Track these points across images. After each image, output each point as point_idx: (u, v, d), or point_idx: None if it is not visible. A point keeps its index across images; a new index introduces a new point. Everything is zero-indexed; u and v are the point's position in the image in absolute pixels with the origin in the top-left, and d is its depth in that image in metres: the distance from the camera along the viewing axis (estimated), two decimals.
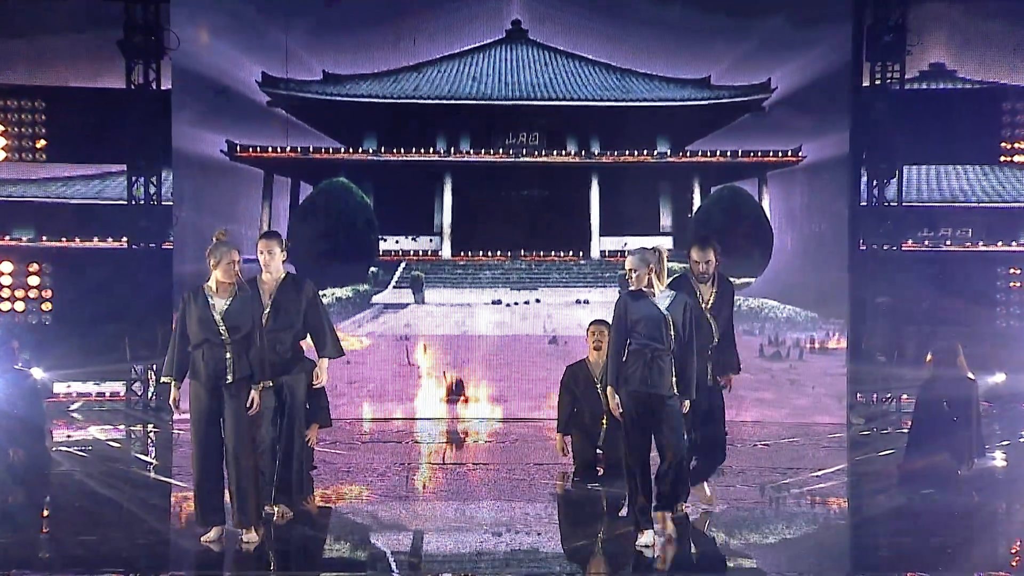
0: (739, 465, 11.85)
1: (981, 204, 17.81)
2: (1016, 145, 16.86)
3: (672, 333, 7.98)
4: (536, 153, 17.20)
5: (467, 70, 17.15)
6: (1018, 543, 8.95)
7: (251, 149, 16.77)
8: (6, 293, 17.04)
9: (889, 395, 16.33)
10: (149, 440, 14.88)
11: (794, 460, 12.95)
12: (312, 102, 16.87)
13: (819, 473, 11.59)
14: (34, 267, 17.10)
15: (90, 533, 8.43)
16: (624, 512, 9.82)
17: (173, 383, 8.14)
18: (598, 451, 11.44)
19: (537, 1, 17.07)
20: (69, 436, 14.14)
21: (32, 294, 17.09)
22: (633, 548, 8.02)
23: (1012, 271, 17.23)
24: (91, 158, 17.36)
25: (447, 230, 17.30)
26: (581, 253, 17.25)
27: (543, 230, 17.23)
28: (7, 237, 17.29)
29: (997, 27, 17.22)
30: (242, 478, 8.02)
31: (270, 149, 16.81)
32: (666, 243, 16.82)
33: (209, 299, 8.07)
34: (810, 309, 16.77)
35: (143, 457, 13.32)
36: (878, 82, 16.30)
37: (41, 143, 16.82)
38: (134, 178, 16.53)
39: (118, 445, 13.92)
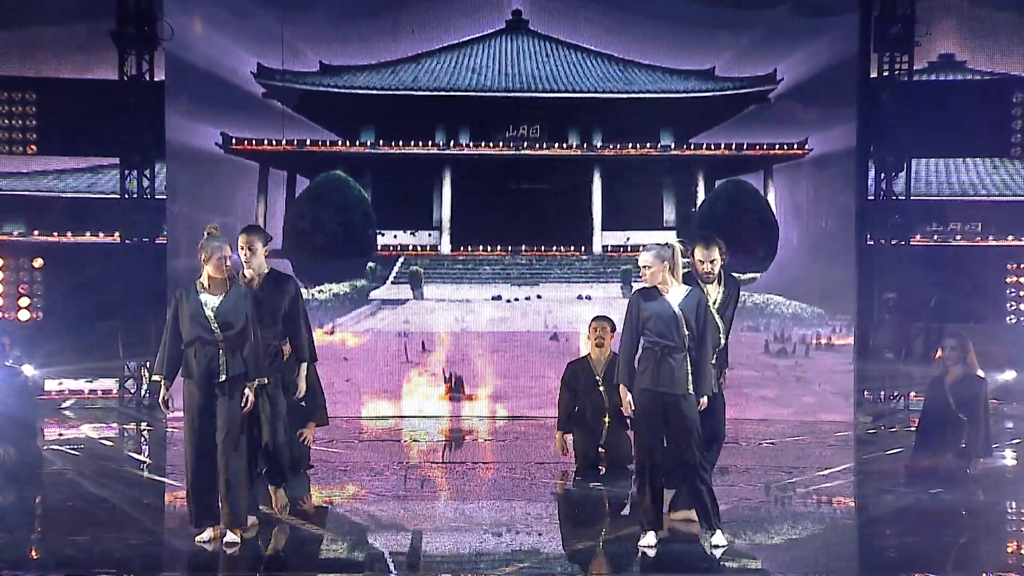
0: (744, 464, 11.85)
1: (991, 198, 17.79)
2: None
3: (685, 331, 7.96)
4: (537, 146, 17.19)
5: (466, 61, 17.14)
6: None
7: (246, 142, 16.76)
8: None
9: (897, 392, 16.33)
10: (142, 438, 14.88)
11: (800, 459, 12.95)
12: (309, 94, 16.87)
13: (825, 472, 11.59)
14: (25, 262, 17.11)
15: (82, 533, 8.43)
16: (627, 511, 9.83)
17: (164, 382, 8.14)
18: (600, 449, 11.45)
19: None
20: (61, 434, 14.14)
21: (23, 289, 17.10)
22: (636, 548, 8.02)
23: (1023, 266, 17.23)
24: (83, 151, 17.37)
25: (446, 224, 17.30)
26: (583, 248, 17.25)
27: (544, 225, 17.23)
28: None
29: (1008, 17, 17.21)
30: (233, 478, 8.02)
31: (266, 142, 16.80)
32: (670, 238, 16.83)
33: (201, 296, 8.06)
34: (816, 305, 16.76)
35: (136, 456, 13.32)
36: (886, 73, 16.28)
37: (32, 135, 16.81)
38: (127, 171, 16.51)
39: (111, 443, 13.92)
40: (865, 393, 16.52)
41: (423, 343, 16.97)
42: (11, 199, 17.52)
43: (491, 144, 17.17)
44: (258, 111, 16.69)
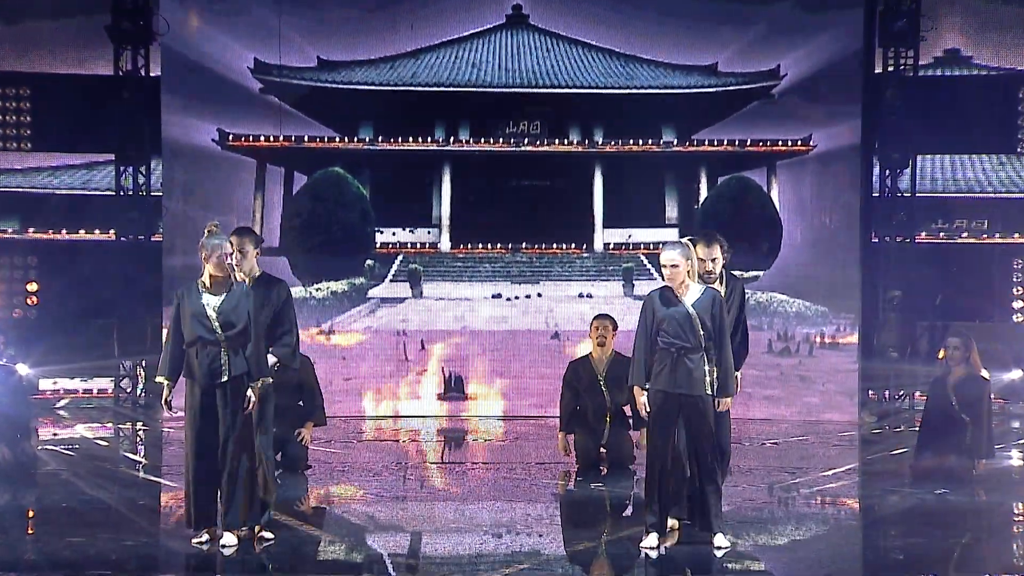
0: (747, 464, 11.85)
1: (998, 195, 17.79)
2: None
3: (701, 331, 7.93)
4: (537, 142, 17.19)
5: (466, 56, 17.14)
6: None
7: (243, 138, 16.76)
8: None
9: (902, 392, 16.33)
10: (138, 438, 14.88)
11: (804, 459, 12.95)
12: (306, 89, 16.87)
13: (829, 472, 11.59)
14: (19, 260, 17.11)
15: (77, 535, 8.43)
16: (628, 512, 9.83)
17: (167, 382, 8.13)
18: (601, 450, 11.46)
19: None
20: (55, 434, 14.14)
21: (17, 287, 17.10)
22: (638, 550, 8.02)
23: None
24: (78, 147, 17.36)
25: (446, 222, 17.30)
26: (584, 246, 17.25)
27: (545, 222, 17.23)
28: None
29: (1014, 11, 17.20)
30: (233, 480, 8.02)
31: (263, 138, 16.80)
32: (671, 236, 16.83)
33: (202, 296, 8.06)
34: (820, 303, 16.77)
35: (132, 456, 13.33)
36: (891, 69, 16.28)
37: (26, 132, 16.81)
38: (122, 168, 16.51)
39: (106, 444, 13.92)
40: (870, 392, 16.52)
41: (422, 342, 16.97)
42: (5, 196, 17.52)
43: (491, 140, 17.17)
44: (255, 107, 16.69)
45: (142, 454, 13.64)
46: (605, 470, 11.37)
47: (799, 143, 16.78)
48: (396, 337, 16.99)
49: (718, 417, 8.18)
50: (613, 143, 17.15)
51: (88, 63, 16.74)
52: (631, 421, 11.41)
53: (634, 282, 16.92)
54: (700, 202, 17.21)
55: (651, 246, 17.14)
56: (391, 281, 17.16)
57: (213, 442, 8.04)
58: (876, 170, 16.52)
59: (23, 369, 14.19)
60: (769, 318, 16.69)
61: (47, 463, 11.65)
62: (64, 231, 17.34)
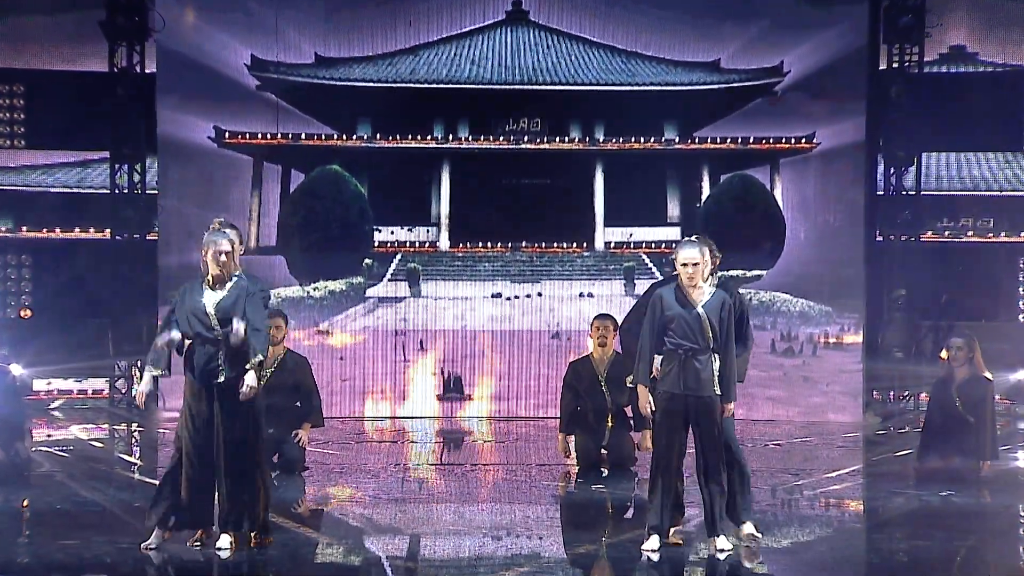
0: (750, 466, 11.82)
1: (1003, 193, 17.80)
2: None
3: (710, 332, 7.89)
4: (538, 140, 17.19)
5: (466, 53, 17.14)
6: None
7: (240, 135, 16.76)
8: None
9: (907, 392, 16.34)
10: (133, 440, 14.88)
11: (807, 460, 12.95)
12: (304, 86, 16.87)
13: (833, 474, 11.58)
14: (13, 258, 17.12)
15: (72, 537, 8.42)
16: (630, 514, 9.83)
17: (147, 370, 8.08)
18: (602, 451, 11.45)
19: None
20: (50, 435, 14.14)
21: (11, 287, 17.11)
22: (639, 552, 8.02)
23: None
24: (72, 145, 17.37)
25: (445, 220, 17.31)
26: (585, 244, 17.25)
27: (545, 220, 17.24)
28: None
29: (1020, 8, 17.21)
30: (231, 481, 8.01)
31: (259, 135, 16.80)
32: (673, 234, 16.85)
33: (204, 292, 8.06)
34: (824, 303, 16.77)
35: (127, 457, 13.31)
36: (896, 65, 16.28)
37: (20, 129, 16.81)
38: (117, 165, 16.51)
39: (101, 445, 13.92)
40: (874, 393, 16.53)
41: (421, 342, 16.97)
42: None
43: (490, 138, 17.17)
44: (252, 104, 16.70)
45: (137, 455, 13.63)
46: (606, 471, 11.36)
47: (803, 140, 16.78)
48: (395, 337, 16.99)
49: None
50: (614, 140, 17.15)
51: (83, 59, 16.74)
52: (632, 422, 11.41)
53: (635, 281, 16.92)
54: (702, 200, 17.21)
55: (652, 245, 17.15)
56: (389, 280, 17.16)
57: (203, 442, 8.02)
58: (881, 168, 16.52)
59: (17, 369, 14.18)
60: (772, 318, 16.69)
61: (41, 464, 11.65)
62: (58, 229, 17.34)
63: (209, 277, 8.07)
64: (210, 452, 8.03)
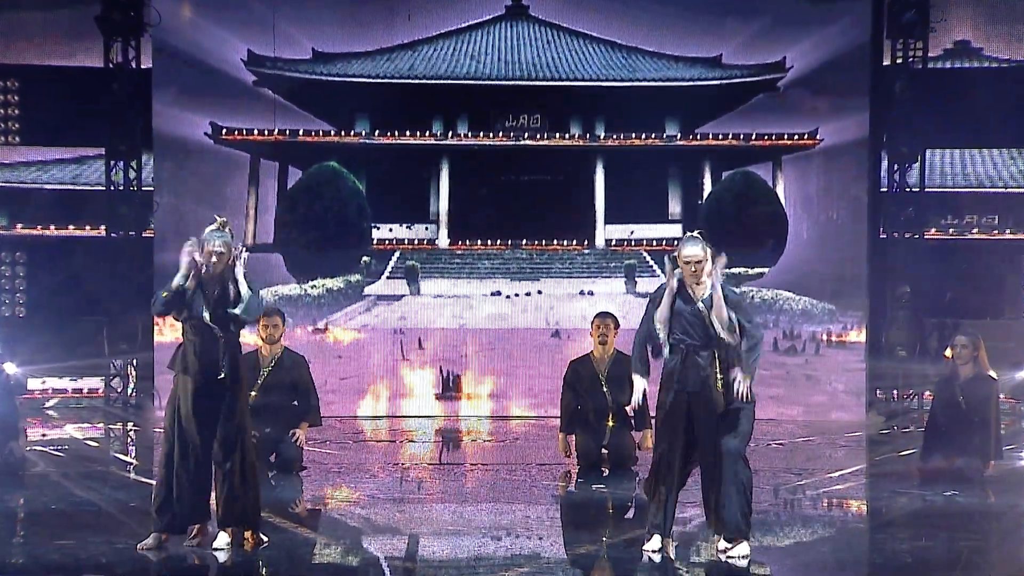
0: (752, 466, 11.82)
1: (1008, 190, 17.78)
2: None
3: (711, 329, 7.90)
4: (537, 136, 17.19)
5: (465, 48, 17.14)
6: None
7: (236, 132, 16.76)
8: None
9: (911, 391, 16.32)
10: (129, 439, 14.89)
11: (810, 460, 12.96)
12: (301, 82, 16.87)
13: (836, 474, 11.59)
14: (7, 256, 17.11)
15: (67, 537, 8.43)
16: (630, 514, 9.83)
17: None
18: (603, 450, 11.46)
19: None
20: (44, 435, 14.15)
21: (5, 284, 17.10)
22: (640, 553, 8.02)
23: None
24: (67, 141, 17.35)
25: (444, 217, 17.30)
26: (585, 242, 17.25)
27: (545, 217, 17.23)
28: None
29: None
30: (228, 478, 8.02)
31: (256, 132, 16.80)
32: (675, 232, 16.85)
33: (197, 290, 8.09)
34: (827, 301, 16.77)
35: (122, 457, 13.32)
36: (900, 61, 16.27)
37: (14, 125, 16.81)
38: (113, 162, 16.50)
39: (96, 444, 13.92)
40: (877, 392, 16.52)
41: (420, 340, 16.97)
42: None
43: (490, 134, 17.17)
44: (248, 100, 16.69)
45: (133, 455, 13.64)
46: (607, 471, 11.37)
47: (805, 137, 16.78)
48: (393, 335, 16.99)
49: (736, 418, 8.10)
50: (615, 137, 17.15)
51: (78, 55, 16.74)
52: (633, 421, 11.42)
53: (636, 279, 16.92)
54: (704, 197, 17.21)
55: (654, 242, 17.15)
56: (388, 278, 17.16)
57: (200, 440, 8.02)
58: (884, 164, 16.52)
59: (11, 368, 14.18)
60: (775, 316, 16.69)
61: (36, 464, 11.66)
62: (53, 227, 17.33)
63: (196, 276, 8.07)
64: (209, 449, 8.05)
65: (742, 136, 16.91)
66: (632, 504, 10.21)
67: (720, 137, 16.99)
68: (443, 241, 17.26)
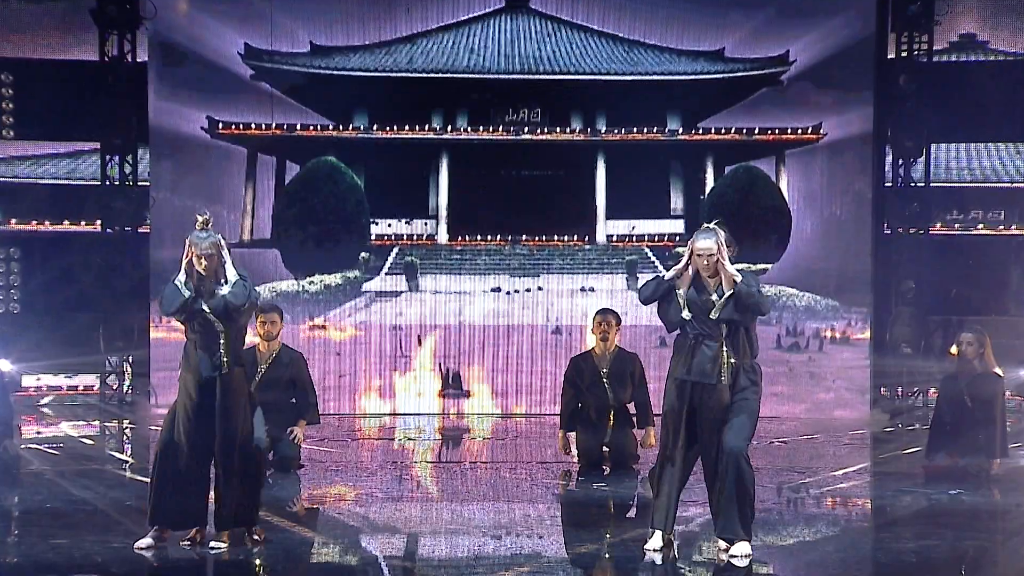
0: (754, 464, 11.81)
1: (1014, 184, 17.78)
2: None
3: (721, 317, 7.90)
4: (538, 131, 17.18)
5: (465, 42, 17.13)
6: None
7: (233, 126, 16.76)
8: None
9: (915, 389, 16.33)
10: (124, 437, 14.88)
11: (813, 458, 12.96)
12: (299, 76, 16.86)
13: (840, 472, 11.59)
14: (1, 251, 17.12)
15: (62, 536, 8.43)
16: (632, 513, 9.83)
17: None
18: (604, 448, 11.45)
19: None
20: (39, 432, 14.15)
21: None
22: (642, 552, 8.02)
23: None
24: (62, 135, 17.35)
25: (443, 213, 17.30)
26: (586, 237, 17.25)
27: (545, 213, 17.23)
28: None
29: None
30: (228, 477, 8.02)
31: (254, 126, 16.79)
32: (676, 227, 16.85)
33: (204, 286, 8.10)
34: (831, 297, 16.77)
35: (118, 455, 13.33)
36: (904, 54, 16.27)
37: (8, 119, 16.80)
38: (108, 157, 16.50)
39: (91, 442, 13.92)
40: (882, 389, 16.53)
41: (419, 337, 16.98)
42: None
43: (490, 128, 17.16)
44: (246, 94, 16.69)
45: (128, 453, 13.64)
46: (608, 469, 11.37)
47: (809, 131, 16.77)
48: (392, 332, 16.99)
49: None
50: (616, 131, 17.14)
51: (73, 48, 16.73)
52: (635, 419, 11.42)
53: (638, 275, 16.92)
54: (706, 192, 17.21)
55: (655, 238, 17.15)
56: (387, 274, 17.16)
57: (204, 439, 8.03)
58: (889, 159, 16.52)
59: (5, 365, 14.20)
60: (778, 312, 16.68)
61: (30, 462, 11.66)
62: (48, 222, 17.33)
63: (194, 276, 8.06)
64: (210, 448, 8.05)
65: (745, 131, 16.91)
66: (633, 502, 10.21)
67: (723, 132, 16.98)
68: (442, 237, 17.26)
